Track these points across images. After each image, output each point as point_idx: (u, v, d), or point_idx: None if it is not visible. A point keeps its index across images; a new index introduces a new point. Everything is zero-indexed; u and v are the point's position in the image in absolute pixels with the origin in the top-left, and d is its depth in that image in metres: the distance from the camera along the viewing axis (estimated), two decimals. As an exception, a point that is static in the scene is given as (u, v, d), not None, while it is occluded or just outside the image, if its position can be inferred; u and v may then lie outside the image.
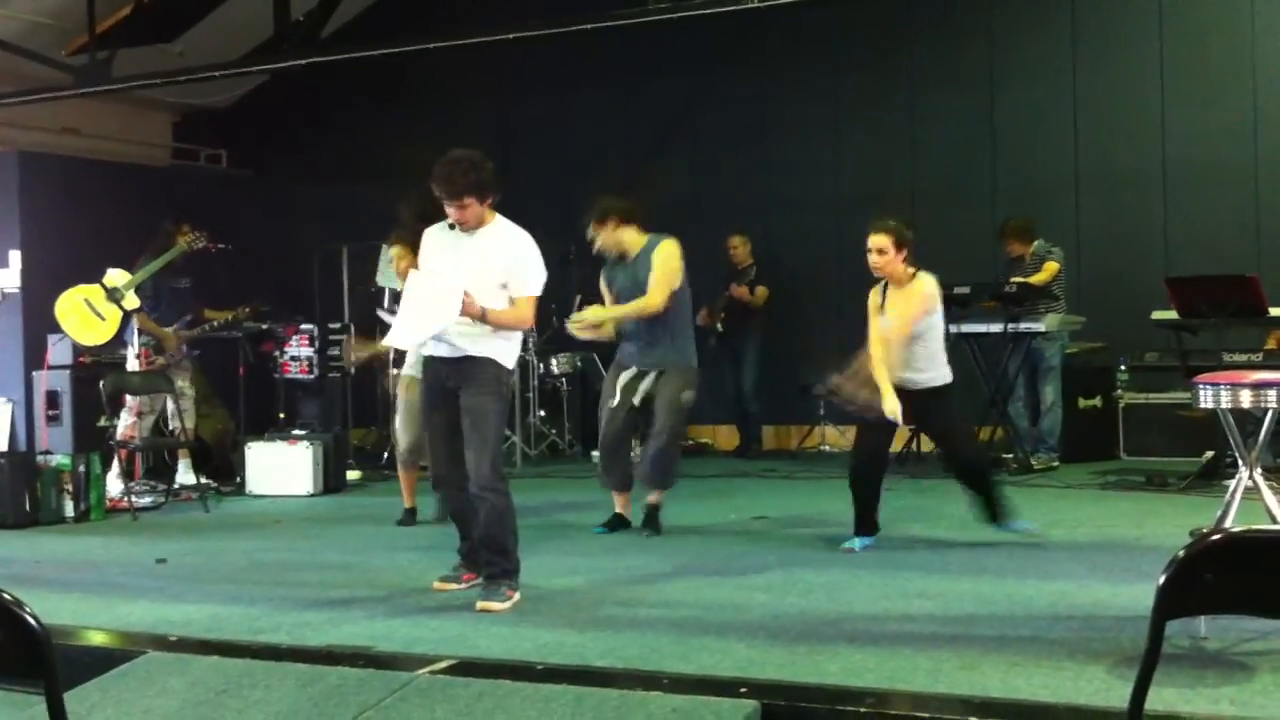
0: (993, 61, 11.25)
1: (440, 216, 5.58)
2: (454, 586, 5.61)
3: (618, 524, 7.21)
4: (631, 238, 7.09)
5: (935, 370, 6.38)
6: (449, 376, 5.41)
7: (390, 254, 7.52)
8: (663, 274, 6.95)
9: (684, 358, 7.12)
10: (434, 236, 5.59)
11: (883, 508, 6.72)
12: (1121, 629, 4.44)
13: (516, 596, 5.30)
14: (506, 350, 5.46)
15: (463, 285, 5.23)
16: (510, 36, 9.30)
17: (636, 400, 7.07)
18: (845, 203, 11.49)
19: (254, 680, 4.22)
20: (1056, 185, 10.82)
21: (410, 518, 7.65)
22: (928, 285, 6.37)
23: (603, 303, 7.25)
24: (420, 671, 4.12)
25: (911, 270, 6.42)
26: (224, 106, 13.48)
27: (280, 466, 9.40)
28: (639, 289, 6.98)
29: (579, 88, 12.54)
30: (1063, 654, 4.15)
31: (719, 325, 11.16)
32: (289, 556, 6.69)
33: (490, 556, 5.37)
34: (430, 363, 5.54)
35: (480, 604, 5.20)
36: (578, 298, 11.74)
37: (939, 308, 6.44)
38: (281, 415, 10.24)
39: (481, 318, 5.26)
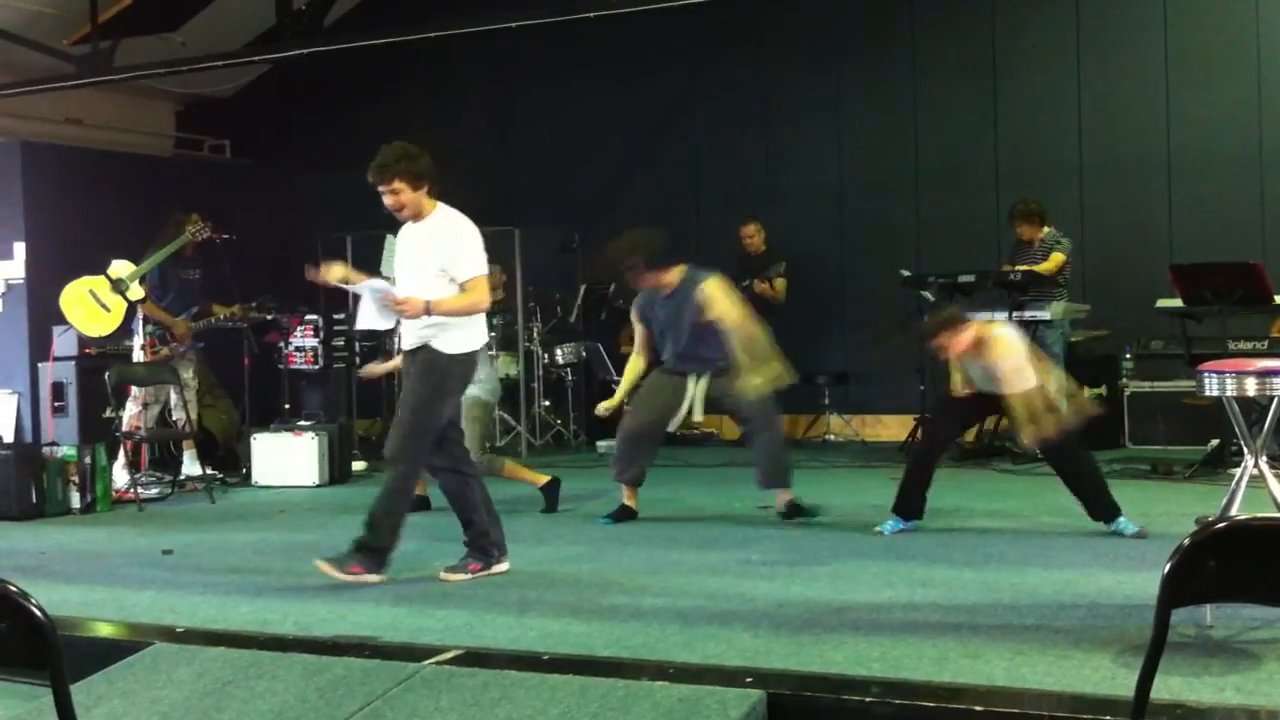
0: (995, 48, 11.23)
1: None
2: (460, 577, 5.63)
3: (624, 515, 7.20)
4: (670, 276, 7.13)
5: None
6: (408, 368, 5.70)
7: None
8: (729, 303, 7.05)
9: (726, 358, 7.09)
10: (401, 233, 5.77)
11: (888, 497, 6.75)
12: (1127, 617, 4.44)
13: (368, 577, 5.48)
14: (460, 339, 5.58)
15: (397, 291, 5.52)
16: (511, 25, 9.28)
17: (698, 409, 7.16)
18: (848, 189, 11.50)
19: (260, 671, 4.23)
20: (1060, 172, 10.80)
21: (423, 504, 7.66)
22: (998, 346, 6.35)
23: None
24: (426, 662, 4.13)
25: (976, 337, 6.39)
26: (226, 96, 13.47)
27: (285, 457, 9.41)
28: (681, 323, 7.06)
29: (580, 75, 12.52)
30: (1068, 642, 4.15)
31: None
32: (294, 547, 6.70)
33: (365, 524, 5.55)
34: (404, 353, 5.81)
35: (323, 563, 5.51)
36: (582, 288, 11.77)
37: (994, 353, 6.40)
38: (286, 406, 10.25)
39: (427, 312, 5.44)
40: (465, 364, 5.65)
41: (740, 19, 11.86)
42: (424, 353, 5.57)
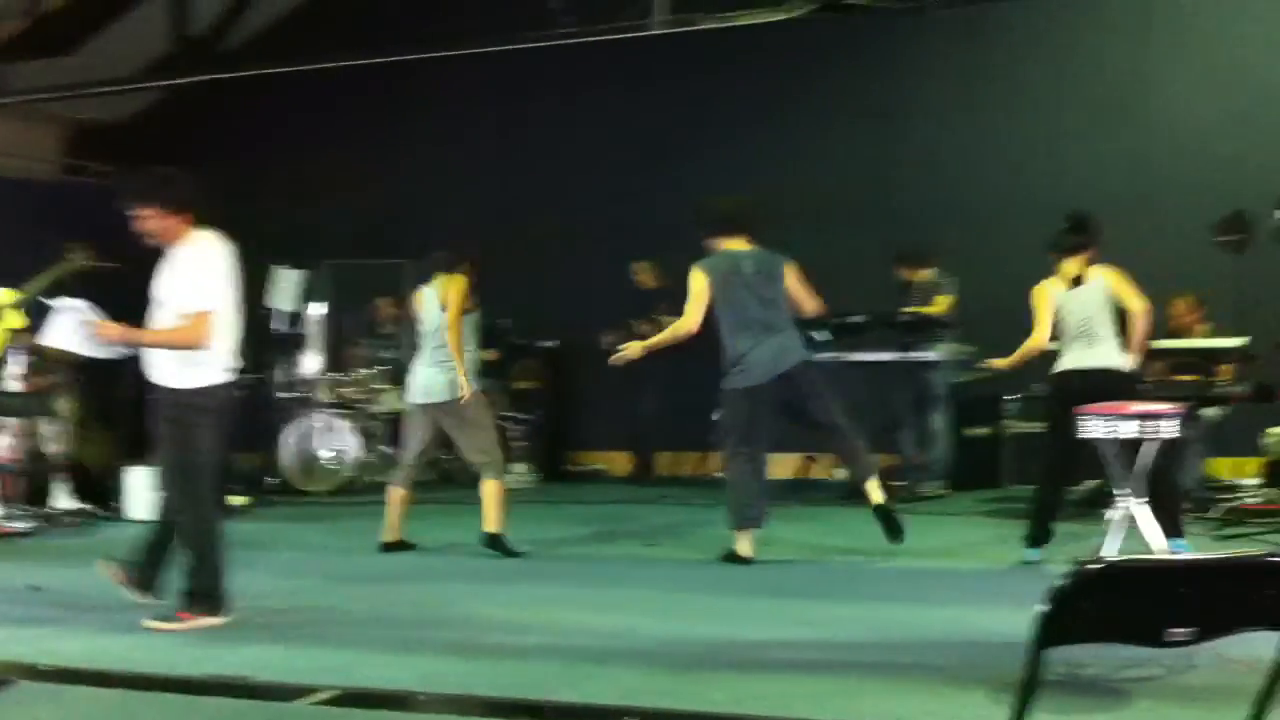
0: (896, 93, 11.44)
1: None
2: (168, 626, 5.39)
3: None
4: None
5: None
6: (155, 399, 5.48)
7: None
8: (689, 299, 7.01)
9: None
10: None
11: (768, 534, 6.79)
12: (1002, 655, 4.48)
13: (193, 623, 5.32)
14: (179, 373, 5.36)
15: (93, 318, 5.55)
16: (407, 59, 9.24)
17: None
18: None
19: (129, 711, 4.11)
20: (949, 215, 11.00)
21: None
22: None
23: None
24: (299, 702, 4.03)
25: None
26: (119, 121, 13.19)
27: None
28: None
29: (474, 108, 12.49)
30: (943, 680, 4.19)
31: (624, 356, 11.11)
32: (167, 585, 6.51)
33: (181, 575, 5.46)
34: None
35: (147, 621, 5.33)
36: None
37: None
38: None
39: (122, 339, 5.46)
40: (205, 396, 5.37)
41: (641, 57, 11.93)
42: (159, 391, 5.37)
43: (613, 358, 7.32)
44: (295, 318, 11.38)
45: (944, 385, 9.69)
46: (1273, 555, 2.20)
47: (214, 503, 5.59)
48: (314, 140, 12.77)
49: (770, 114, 11.82)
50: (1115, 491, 5.63)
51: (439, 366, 7.35)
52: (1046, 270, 10.38)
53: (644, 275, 11.31)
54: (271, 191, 12.87)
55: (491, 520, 7.24)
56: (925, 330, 9.50)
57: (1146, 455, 5.20)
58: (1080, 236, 6.71)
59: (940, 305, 9.59)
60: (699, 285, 6.89)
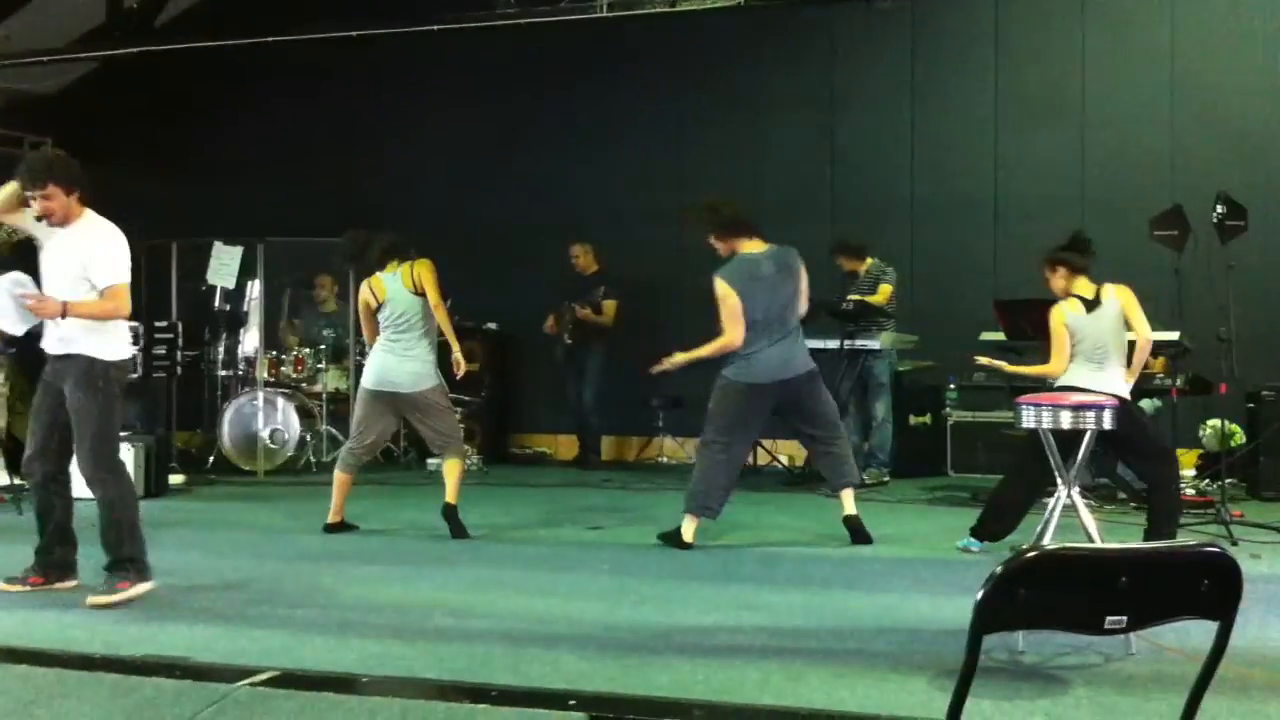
0: (834, 84, 11.48)
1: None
2: (16, 588, 5.67)
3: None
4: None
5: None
6: (54, 373, 5.62)
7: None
8: (723, 313, 6.89)
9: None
10: (48, 240, 5.67)
11: (718, 521, 6.82)
12: (944, 642, 4.54)
13: (134, 590, 5.43)
14: (102, 345, 5.55)
15: (32, 290, 5.56)
16: (351, 35, 9.15)
17: None
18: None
19: (65, 691, 4.06)
20: (892, 207, 11.08)
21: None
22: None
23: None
24: (240, 683, 4.00)
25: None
26: (51, 93, 12.97)
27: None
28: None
29: (426, 90, 12.40)
30: (887, 666, 4.23)
31: (566, 338, 11.14)
32: (104, 562, 6.43)
33: (105, 548, 5.55)
34: (47, 357, 5.67)
35: (90, 600, 5.36)
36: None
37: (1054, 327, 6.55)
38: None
39: (63, 314, 5.44)
40: (122, 370, 5.66)
41: (585, 43, 11.90)
42: (80, 361, 5.51)
43: (654, 368, 7.25)
44: (234, 295, 11.27)
45: (887, 374, 9.77)
46: (1208, 546, 2.23)
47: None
48: (250, 115, 12.64)
49: (708, 102, 11.83)
50: (1059, 481, 5.69)
51: (407, 356, 7.30)
52: (985, 263, 10.62)
53: (583, 258, 11.32)
54: (208, 166, 12.72)
55: (453, 493, 7.26)
56: (867, 319, 9.57)
57: (1085, 446, 5.26)
58: (1088, 257, 6.71)
59: (882, 294, 9.65)
60: (732, 299, 6.81)
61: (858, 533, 6.90)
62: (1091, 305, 6.46)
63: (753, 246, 6.94)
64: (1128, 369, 6.47)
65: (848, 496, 6.98)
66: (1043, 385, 6.77)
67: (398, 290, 7.34)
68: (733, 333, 6.79)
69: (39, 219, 5.56)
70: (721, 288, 6.82)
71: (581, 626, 4.94)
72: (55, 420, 5.60)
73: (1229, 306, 7.80)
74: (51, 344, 5.63)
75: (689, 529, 6.77)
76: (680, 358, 7.01)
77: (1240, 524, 7.30)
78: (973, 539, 6.58)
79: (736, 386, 6.84)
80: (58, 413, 5.58)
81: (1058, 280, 6.60)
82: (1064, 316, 6.48)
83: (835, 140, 11.40)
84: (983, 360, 7.17)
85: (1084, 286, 6.52)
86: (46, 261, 5.65)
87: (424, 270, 7.37)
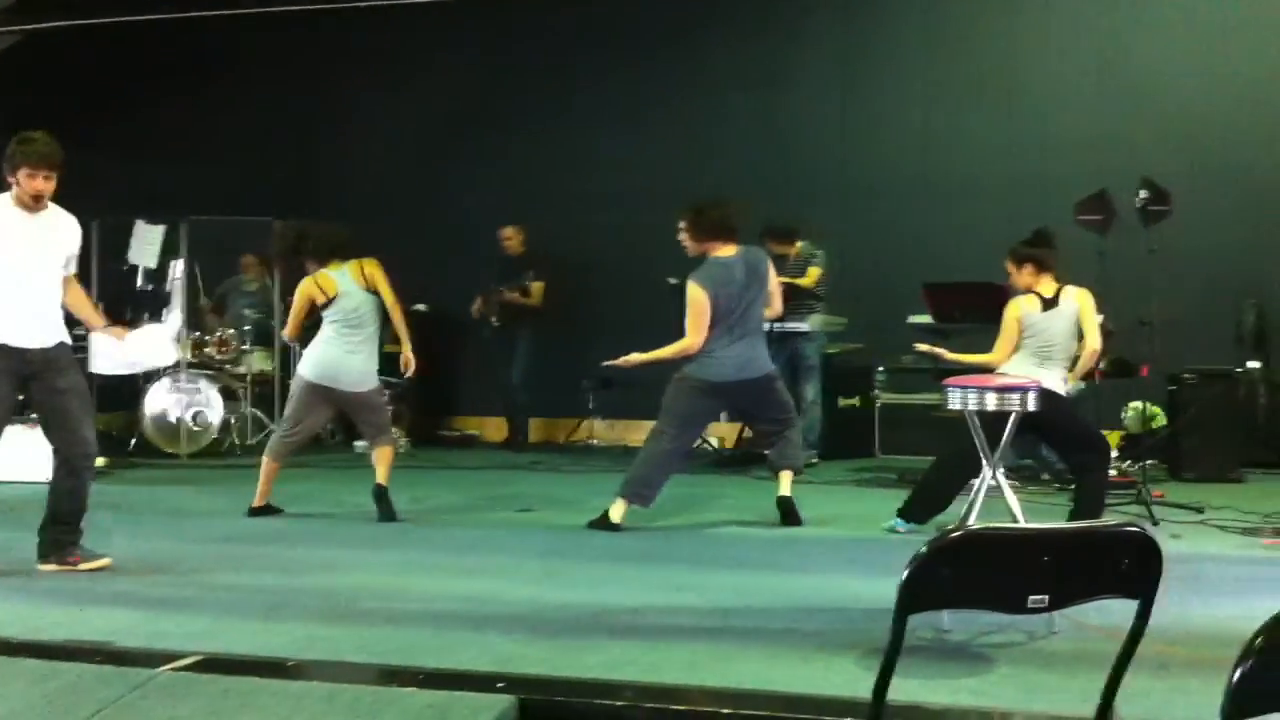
0: (773, 64, 11.51)
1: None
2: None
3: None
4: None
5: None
6: (34, 363, 5.59)
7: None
8: (689, 312, 6.87)
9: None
10: (4, 216, 5.60)
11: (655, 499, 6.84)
12: (872, 621, 4.58)
13: (101, 560, 5.66)
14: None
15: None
16: (278, 9, 9.02)
17: None
18: (624, 198, 11.58)
19: (-17, 677, 3.97)
20: (821, 189, 11.13)
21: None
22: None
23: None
24: (163, 668, 3.93)
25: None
26: (-27, 67, 12.69)
27: (17, 451, 8.85)
28: None
29: (361, 69, 12.27)
30: (815, 646, 4.25)
31: (494, 320, 11.09)
32: (25, 546, 6.32)
33: (75, 525, 5.68)
34: (10, 351, 5.57)
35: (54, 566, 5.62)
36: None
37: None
38: (20, 397, 9.66)
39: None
40: None
41: (534, 20, 11.84)
42: (67, 347, 5.73)
43: (609, 362, 7.20)
44: (156, 274, 11.09)
45: (816, 356, 9.82)
46: (1129, 526, 2.26)
47: None
48: (177, 92, 12.43)
49: (651, 83, 11.81)
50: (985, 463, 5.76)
51: (354, 353, 7.23)
52: (914, 245, 10.70)
53: (513, 240, 11.28)
54: (132, 143, 12.50)
55: (384, 475, 7.24)
56: (796, 301, 9.61)
57: (1010, 428, 5.32)
58: (1053, 253, 6.76)
59: (811, 277, 9.69)
60: (702, 303, 6.79)
61: (789, 514, 6.94)
62: (1049, 304, 6.51)
63: (725, 250, 6.94)
64: (1069, 372, 6.54)
65: (786, 478, 7.03)
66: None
67: (350, 286, 7.26)
68: (694, 337, 6.81)
69: (34, 197, 5.54)
70: (695, 291, 6.83)
71: (511, 608, 4.92)
72: (8, 412, 5.71)
73: (1151, 290, 7.93)
74: (34, 336, 5.57)
75: (619, 511, 6.77)
76: (637, 358, 6.99)
77: (1161, 504, 7.43)
78: (900, 519, 6.64)
79: (694, 383, 6.86)
80: (12, 403, 5.69)
81: (1023, 276, 6.63)
82: (1019, 311, 6.54)
83: (770, 121, 11.43)
84: (922, 347, 7.21)
85: (1047, 285, 6.58)
86: (23, 245, 5.55)
87: (375, 269, 7.35)
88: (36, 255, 5.57)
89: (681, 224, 7.03)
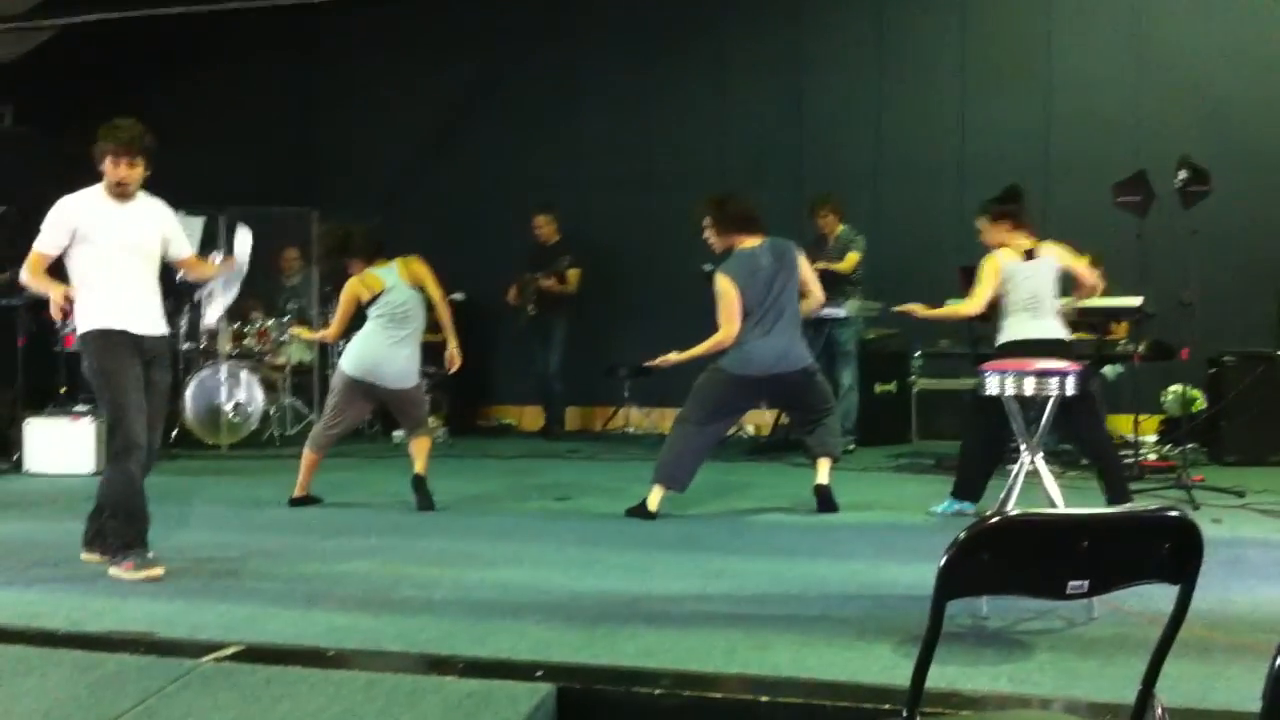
0: (801, 49, 11.46)
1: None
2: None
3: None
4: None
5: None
6: (146, 351, 5.52)
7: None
8: (720, 309, 6.86)
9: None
10: (90, 208, 5.54)
11: (684, 490, 6.82)
12: (909, 608, 4.57)
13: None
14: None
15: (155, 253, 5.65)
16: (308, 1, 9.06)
17: None
18: (655, 183, 11.58)
19: (28, 667, 4.01)
20: (858, 173, 11.08)
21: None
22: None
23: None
24: (205, 658, 3.97)
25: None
26: (9, 61, 12.77)
27: (61, 443, 8.99)
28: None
29: (385, 56, 12.31)
30: (852, 633, 4.24)
31: (530, 309, 11.11)
32: (68, 538, 6.38)
33: (140, 525, 5.45)
34: (125, 336, 5.46)
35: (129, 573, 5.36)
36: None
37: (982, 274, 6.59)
38: (63, 390, 9.79)
39: None
40: None
41: (550, 9, 11.84)
42: (163, 341, 5.64)
43: (651, 363, 7.22)
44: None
45: (852, 341, 9.79)
46: (1170, 510, 2.24)
47: None
48: (215, 83, 12.51)
49: (674, 67, 11.79)
50: (1022, 446, 5.73)
51: (398, 350, 7.25)
52: (949, 229, 10.63)
53: (546, 227, 11.28)
54: (170, 135, 12.55)
55: (422, 465, 7.28)
56: (834, 286, 9.58)
57: (1049, 412, 5.28)
58: (1022, 208, 6.76)
59: (849, 262, 9.66)
60: (731, 295, 6.79)
61: (825, 501, 6.93)
62: (1029, 255, 6.54)
63: (751, 241, 6.92)
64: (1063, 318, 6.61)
65: (824, 465, 7.01)
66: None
67: (396, 282, 7.30)
68: (728, 328, 6.80)
69: (117, 184, 5.49)
70: (724, 283, 6.82)
71: (548, 596, 4.93)
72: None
73: (1191, 272, 7.85)
74: (146, 323, 5.52)
75: (655, 498, 6.78)
76: (675, 357, 6.98)
77: (1201, 488, 7.37)
78: (954, 500, 6.69)
79: (727, 375, 6.85)
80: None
81: (998, 233, 6.66)
82: (998, 262, 6.58)
83: (802, 105, 11.38)
84: (900, 308, 7.19)
85: (1021, 241, 6.59)
86: (118, 236, 5.50)
87: (420, 266, 7.39)
88: (131, 245, 5.53)
89: (705, 221, 7.02)
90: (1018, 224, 6.67)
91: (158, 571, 5.35)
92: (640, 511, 6.77)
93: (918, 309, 6.91)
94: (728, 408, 7.05)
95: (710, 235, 7.03)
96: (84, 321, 5.47)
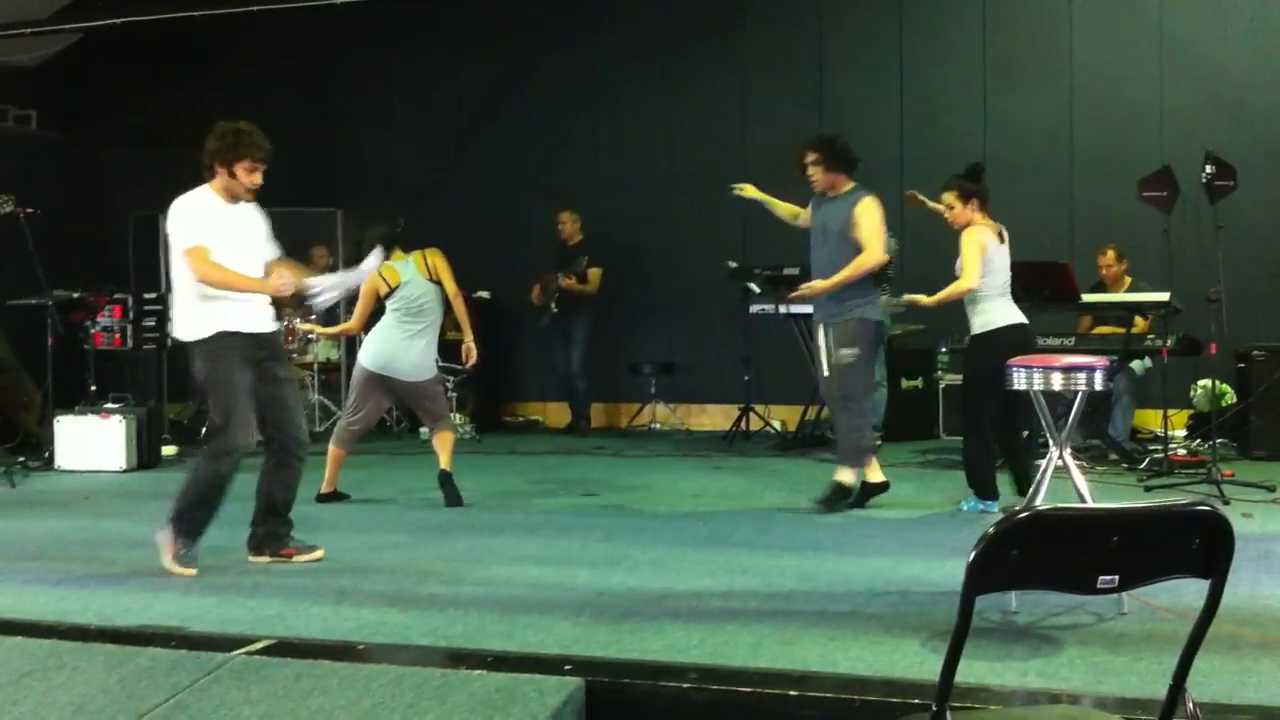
0: (821, 48, 11.44)
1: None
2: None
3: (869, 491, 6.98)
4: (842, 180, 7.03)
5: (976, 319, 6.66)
6: (263, 349, 5.55)
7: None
8: (875, 229, 6.89)
9: (844, 310, 6.94)
10: (214, 210, 5.57)
11: (710, 486, 6.80)
12: (936, 603, 4.56)
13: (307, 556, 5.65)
14: None
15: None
16: (335, 1, 9.10)
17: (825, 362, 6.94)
18: (676, 182, 11.57)
19: (60, 662, 4.05)
20: (881, 170, 11.02)
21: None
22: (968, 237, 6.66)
23: None
24: (235, 652, 4.00)
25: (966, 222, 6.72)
26: (34, 65, 12.88)
27: (91, 441, 9.06)
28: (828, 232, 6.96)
29: (405, 55, 12.34)
30: (879, 628, 4.24)
31: (553, 307, 11.13)
32: (99, 534, 6.46)
33: (204, 520, 5.51)
34: (239, 338, 5.46)
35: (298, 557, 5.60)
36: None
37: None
38: (93, 388, 9.86)
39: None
40: None
41: (571, 9, 11.85)
42: (278, 336, 5.83)
43: (792, 294, 7.29)
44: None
45: (879, 338, 9.76)
46: (1199, 505, 2.24)
47: None
48: (240, 85, 12.55)
49: (695, 66, 11.77)
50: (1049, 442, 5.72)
51: (413, 343, 7.29)
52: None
53: (569, 225, 11.31)
54: (194, 136, 12.62)
55: (447, 460, 7.30)
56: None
57: (1076, 407, 5.27)
58: (987, 189, 6.81)
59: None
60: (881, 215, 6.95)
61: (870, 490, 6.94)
62: (1000, 237, 6.60)
63: (850, 185, 6.98)
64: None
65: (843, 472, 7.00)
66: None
67: (414, 275, 7.33)
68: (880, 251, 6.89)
69: (250, 190, 5.60)
70: (874, 205, 6.91)
71: (575, 592, 4.95)
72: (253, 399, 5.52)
73: (1219, 266, 7.81)
74: (260, 321, 5.57)
75: (874, 472, 6.90)
76: (821, 285, 6.90)
77: (1231, 483, 7.33)
78: (977, 500, 6.67)
79: (873, 325, 7.03)
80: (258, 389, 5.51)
81: (966, 212, 6.68)
82: (983, 239, 6.60)
83: (823, 103, 11.36)
84: (904, 299, 7.19)
85: (990, 223, 6.64)
86: (235, 235, 5.54)
87: (439, 259, 7.42)
88: (244, 244, 5.57)
89: (809, 158, 6.94)
90: (984, 204, 6.70)
91: (189, 571, 5.40)
92: (844, 493, 6.84)
93: (922, 298, 6.92)
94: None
95: (815, 173, 6.95)
96: (200, 326, 5.44)
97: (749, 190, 7.24)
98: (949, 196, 6.76)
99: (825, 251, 6.91)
